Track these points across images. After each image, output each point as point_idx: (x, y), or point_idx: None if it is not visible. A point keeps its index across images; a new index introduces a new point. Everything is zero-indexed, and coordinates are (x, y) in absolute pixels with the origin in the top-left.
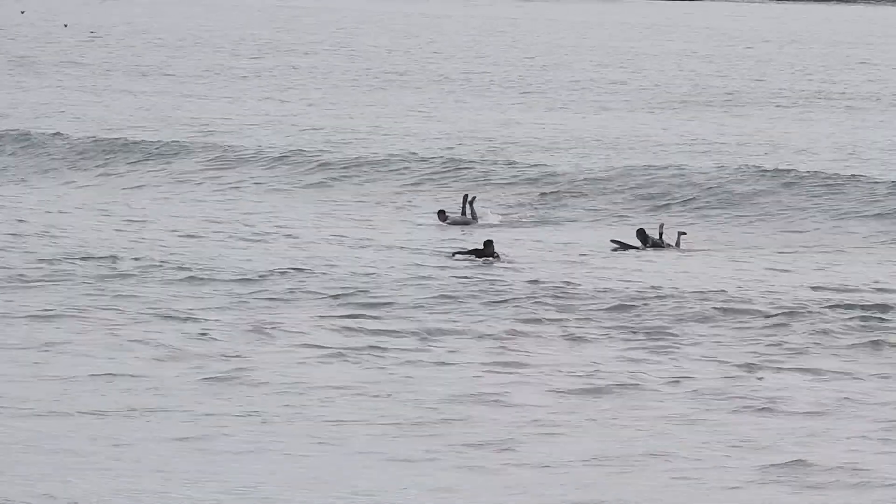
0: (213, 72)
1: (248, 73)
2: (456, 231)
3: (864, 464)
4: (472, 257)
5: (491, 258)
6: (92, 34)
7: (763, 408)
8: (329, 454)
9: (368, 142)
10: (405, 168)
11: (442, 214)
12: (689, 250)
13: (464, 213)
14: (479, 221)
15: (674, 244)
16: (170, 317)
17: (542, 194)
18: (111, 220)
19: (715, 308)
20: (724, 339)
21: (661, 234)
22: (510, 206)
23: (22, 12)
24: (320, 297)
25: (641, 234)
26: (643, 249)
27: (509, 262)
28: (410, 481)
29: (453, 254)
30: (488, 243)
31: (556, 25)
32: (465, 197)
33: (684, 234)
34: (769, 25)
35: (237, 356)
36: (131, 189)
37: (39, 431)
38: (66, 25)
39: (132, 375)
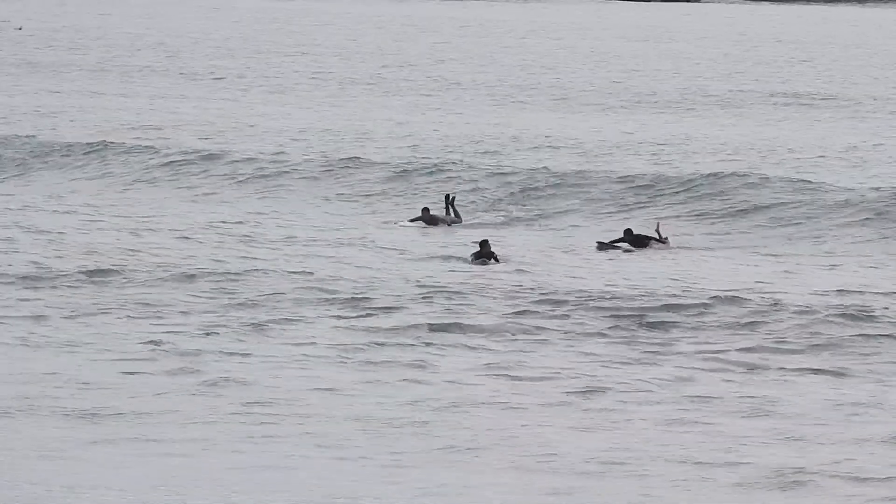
0: (203, 74)
1: (236, 74)
2: (442, 231)
3: (860, 467)
4: (471, 259)
5: (488, 259)
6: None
7: (758, 410)
8: (322, 457)
9: (358, 143)
10: (394, 168)
11: (426, 212)
12: (678, 247)
13: (447, 213)
14: (464, 221)
15: (660, 241)
16: (162, 317)
17: (533, 194)
18: (106, 220)
19: (709, 309)
20: (719, 341)
21: (659, 233)
22: (498, 206)
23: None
24: (312, 298)
25: (629, 233)
26: (631, 249)
27: (504, 263)
28: (403, 484)
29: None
30: (484, 243)
31: (550, 28)
32: (447, 196)
33: (662, 236)
34: (767, 27)
35: (230, 356)
36: (126, 190)
37: (35, 433)
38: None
39: (122, 375)
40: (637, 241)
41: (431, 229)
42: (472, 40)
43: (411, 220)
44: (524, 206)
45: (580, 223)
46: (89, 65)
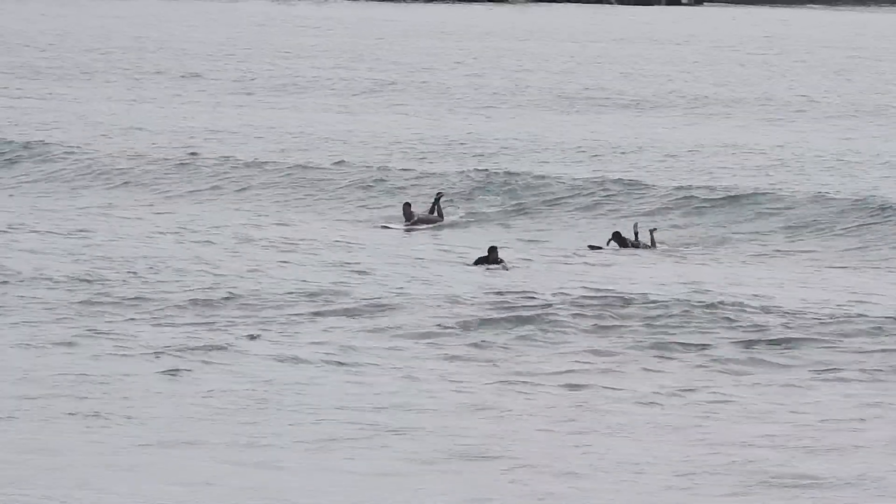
0: (201, 77)
1: (233, 78)
2: (429, 232)
3: (861, 469)
4: (484, 265)
5: (495, 264)
6: None
7: (757, 412)
8: (315, 461)
9: (355, 145)
10: (388, 170)
11: (407, 207)
12: (668, 250)
13: (432, 211)
14: (444, 220)
15: (649, 243)
16: (159, 318)
17: (527, 195)
18: (106, 221)
19: (707, 310)
20: (717, 342)
21: (636, 235)
22: (490, 207)
23: None
24: (306, 300)
25: (617, 236)
26: (618, 249)
27: (510, 268)
28: (399, 487)
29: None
30: (492, 249)
31: (549, 30)
32: (439, 195)
33: (655, 229)
34: (767, 29)
35: (225, 358)
36: (125, 191)
37: (36, 433)
38: None
39: (122, 375)
40: (625, 244)
41: (420, 230)
42: (472, 43)
43: (403, 222)
44: (516, 206)
45: (574, 225)
46: (89, 67)
